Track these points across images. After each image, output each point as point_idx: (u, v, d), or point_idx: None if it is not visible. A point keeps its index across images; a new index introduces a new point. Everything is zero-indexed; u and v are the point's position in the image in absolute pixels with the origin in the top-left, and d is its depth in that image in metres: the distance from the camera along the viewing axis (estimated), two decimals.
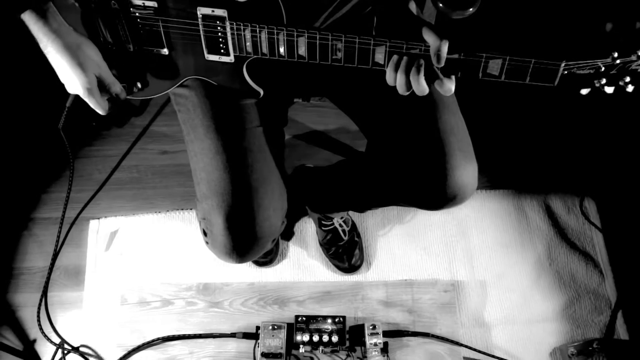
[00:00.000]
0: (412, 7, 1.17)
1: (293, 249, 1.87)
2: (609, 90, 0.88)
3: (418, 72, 0.94)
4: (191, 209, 1.92)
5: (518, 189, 1.99)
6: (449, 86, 0.96)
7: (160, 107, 2.08)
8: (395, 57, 0.96)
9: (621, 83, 0.86)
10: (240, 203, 1.12)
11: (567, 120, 2.12)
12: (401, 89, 0.98)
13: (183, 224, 1.90)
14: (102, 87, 1.07)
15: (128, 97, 1.17)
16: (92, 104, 1.06)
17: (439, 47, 0.91)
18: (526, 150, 2.07)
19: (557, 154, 2.07)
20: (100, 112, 1.08)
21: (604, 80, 0.87)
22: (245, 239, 1.14)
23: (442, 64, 0.92)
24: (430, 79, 0.96)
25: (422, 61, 0.94)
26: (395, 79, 0.98)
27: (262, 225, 1.14)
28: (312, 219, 1.85)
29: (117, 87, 1.10)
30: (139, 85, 1.16)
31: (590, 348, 1.69)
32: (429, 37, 0.92)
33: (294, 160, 1.98)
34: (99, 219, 1.91)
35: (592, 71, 0.87)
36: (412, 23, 1.07)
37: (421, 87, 0.95)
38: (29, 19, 0.96)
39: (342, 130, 2.06)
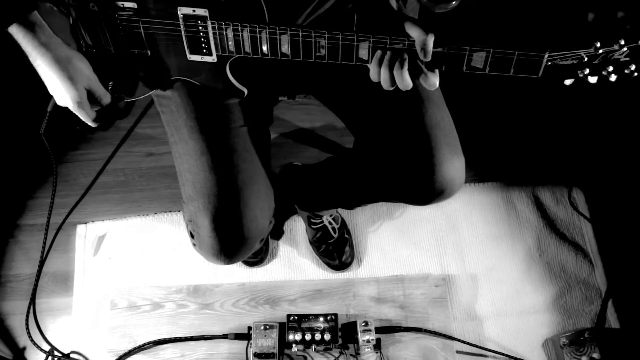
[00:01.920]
0: (393, 3, 1.17)
1: (283, 248, 1.86)
2: (593, 80, 0.88)
3: (401, 66, 0.94)
4: (179, 211, 1.91)
5: (506, 182, 1.99)
6: (433, 80, 0.96)
7: (144, 109, 2.06)
8: (378, 53, 0.96)
9: (604, 73, 0.87)
10: (227, 204, 1.12)
11: (554, 111, 2.12)
12: (385, 85, 0.98)
13: (171, 226, 1.89)
14: (92, 99, 1.06)
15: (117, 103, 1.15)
16: (82, 116, 1.05)
17: (425, 41, 0.90)
18: (513, 142, 2.08)
19: (545, 145, 2.07)
20: (91, 124, 1.07)
21: (587, 70, 0.87)
22: (233, 240, 1.14)
23: (429, 57, 0.92)
24: (415, 73, 0.96)
25: (405, 56, 0.94)
26: (379, 74, 0.98)
27: (249, 226, 1.13)
28: (302, 217, 1.84)
29: (107, 99, 1.09)
30: (125, 98, 1.15)
31: (581, 338, 1.69)
32: (414, 32, 0.92)
33: (281, 158, 1.97)
34: (86, 223, 1.89)
35: (575, 61, 0.87)
36: (394, 18, 1.07)
37: (405, 81, 0.95)
38: (17, 33, 0.95)
39: (329, 128, 2.06)
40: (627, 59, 0.85)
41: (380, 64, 0.96)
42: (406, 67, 0.94)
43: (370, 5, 1.16)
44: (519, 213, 1.94)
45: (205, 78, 1.12)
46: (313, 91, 1.39)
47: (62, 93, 1.01)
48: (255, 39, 1.01)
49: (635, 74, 0.86)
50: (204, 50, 1.06)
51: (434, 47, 0.92)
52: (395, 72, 0.95)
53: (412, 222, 1.90)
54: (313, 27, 0.97)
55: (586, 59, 0.86)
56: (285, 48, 1.00)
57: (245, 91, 1.13)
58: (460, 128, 1.21)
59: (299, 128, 2.07)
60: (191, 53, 1.07)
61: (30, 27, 0.95)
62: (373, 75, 0.99)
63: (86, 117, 1.05)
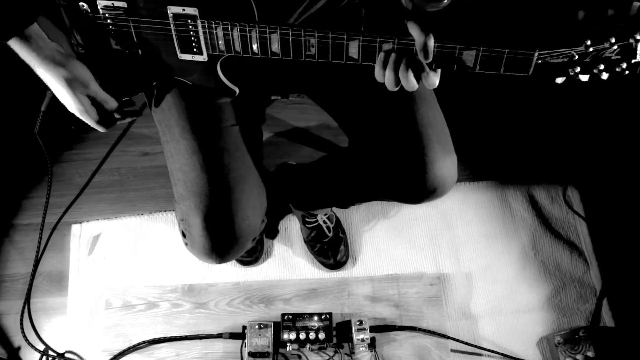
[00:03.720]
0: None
1: (278, 247, 1.86)
2: (584, 78, 0.88)
3: (407, 68, 0.94)
4: (174, 211, 1.89)
5: (501, 180, 1.99)
6: (434, 79, 0.95)
7: (139, 109, 2.05)
8: (382, 55, 0.95)
9: (595, 71, 0.86)
10: (218, 203, 1.11)
11: (549, 109, 2.12)
12: (390, 86, 0.97)
13: (166, 225, 1.88)
14: (97, 104, 1.07)
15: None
16: (90, 123, 1.07)
17: (425, 41, 0.90)
18: (508, 141, 2.08)
19: (540, 143, 2.07)
20: (100, 129, 1.10)
21: (578, 69, 0.87)
22: (225, 239, 1.14)
23: (430, 58, 0.92)
24: (417, 73, 0.95)
25: (411, 57, 0.93)
26: (383, 75, 0.97)
27: (240, 225, 1.13)
28: (296, 216, 1.84)
29: (112, 104, 1.09)
30: (129, 103, 1.16)
31: (576, 336, 1.70)
32: (414, 32, 0.91)
33: (276, 158, 1.97)
34: (81, 223, 1.89)
35: (566, 60, 0.87)
36: (401, 14, 1.07)
37: (410, 83, 0.95)
38: (14, 45, 0.96)
39: (323, 127, 2.05)
40: (618, 57, 0.84)
41: (384, 66, 0.96)
42: (411, 68, 0.94)
43: (373, 1, 1.16)
44: (514, 212, 1.94)
45: (197, 77, 1.11)
46: (306, 90, 1.39)
47: (65, 102, 1.03)
48: (245, 38, 1.00)
49: (627, 72, 0.85)
50: (195, 50, 1.06)
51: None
52: (400, 74, 0.95)
53: (407, 221, 1.90)
54: (305, 25, 0.97)
55: (577, 57, 0.86)
56: (276, 47, 1.00)
57: (237, 90, 1.13)
58: (455, 127, 1.21)
59: (293, 127, 2.07)
60: (182, 52, 1.07)
61: (26, 39, 0.96)
62: (378, 76, 0.98)
63: (93, 124, 1.08)
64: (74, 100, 1.02)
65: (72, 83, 1.01)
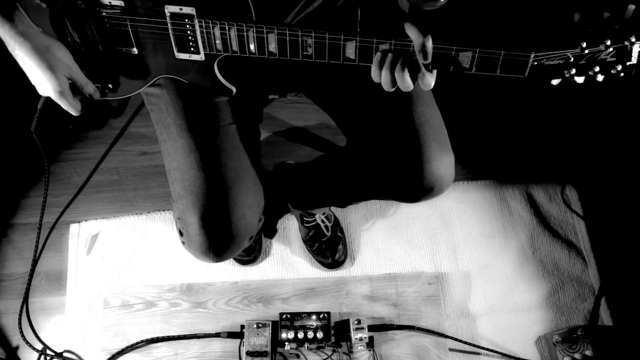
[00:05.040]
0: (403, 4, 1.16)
1: (276, 247, 1.86)
2: (580, 80, 0.88)
3: (403, 68, 0.94)
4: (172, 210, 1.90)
5: (499, 179, 1.99)
6: (429, 80, 0.96)
7: (137, 108, 2.06)
8: (379, 55, 0.96)
9: (591, 73, 0.87)
10: (215, 202, 1.12)
11: (547, 109, 2.12)
12: (387, 86, 0.98)
13: (165, 225, 1.88)
14: (74, 88, 1.06)
15: (103, 98, 1.15)
16: (64, 105, 1.05)
17: (423, 43, 0.90)
18: (507, 140, 2.08)
19: (538, 142, 2.07)
20: (73, 113, 1.07)
21: (573, 71, 0.87)
22: (221, 238, 1.14)
23: (429, 59, 0.92)
24: (413, 74, 0.96)
25: (407, 58, 0.93)
26: (380, 76, 0.97)
27: (237, 224, 1.13)
28: (295, 215, 1.84)
29: (89, 88, 1.09)
30: (110, 86, 1.14)
31: (574, 335, 1.70)
32: (412, 33, 0.91)
33: (275, 157, 1.97)
34: (79, 222, 1.89)
35: (561, 62, 0.87)
36: (397, 16, 1.07)
37: (406, 83, 0.95)
38: None
39: (322, 126, 2.05)
40: (614, 59, 0.85)
41: (381, 66, 0.96)
42: (407, 69, 0.94)
43: (369, 1, 1.16)
44: (512, 211, 1.94)
45: (194, 76, 1.12)
46: (303, 89, 1.39)
47: (42, 82, 1.01)
48: (243, 38, 1.01)
49: (622, 74, 0.86)
50: (192, 49, 1.06)
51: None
52: (396, 74, 0.95)
53: (405, 220, 1.90)
54: (301, 25, 0.97)
55: (572, 59, 0.86)
56: (273, 47, 1.00)
57: (234, 89, 1.13)
58: (453, 126, 1.21)
59: (292, 126, 2.07)
60: (179, 51, 1.07)
61: (8, 17, 0.95)
62: (374, 77, 0.99)
63: (69, 107, 1.06)
64: (53, 80, 1.01)
65: (55, 63, 1.01)
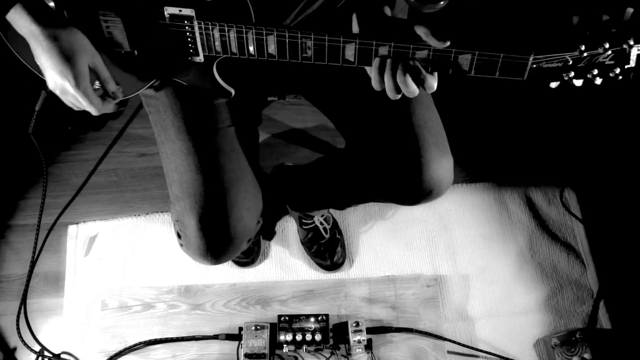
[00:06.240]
0: (387, 11, 1.16)
1: (275, 249, 1.86)
2: (578, 83, 0.88)
3: (404, 73, 0.93)
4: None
5: (498, 182, 1.99)
6: (432, 83, 0.95)
7: (136, 109, 2.06)
8: (377, 60, 0.95)
9: (589, 76, 0.87)
10: (213, 204, 1.12)
11: (546, 112, 2.12)
12: (391, 94, 0.96)
13: (163, 226, 1.88)
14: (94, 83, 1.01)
15: (126, 97, 1.11)
16: (83, 100, 0.97)
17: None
18: (506, 142, 2.08)
19: (537, 145, 2.07)
20: (94, 112, 1.01)
21: (572, 73, 0.87)
22: (220, 240, 1.14)
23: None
24: (414, 77, 0.94)
25: (406, 62, 0.93)
26: (381, 82, 0.96)
27: (235, 226, 1.13)
28: (293, 217, 1.84)
29: (112, 85, 1.03)
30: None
31: (573, 338, 1.69)
32: (431, 41, 0.90)
33: (273, 159, 1.97)
34: (77, 224, 1.88)
35: (560, 64, 0.87)
36: (386, 24, 1.06)
37: (410, 88, 0.94)
38: (16, 12, 0.91)
39: (321, 128, 2.05)
40: (612, 62, 0.85)
41: (381, 72, 0.95)
42: (409, 73, 0.93)
43: (363, 5, 1.16)
44: (510, 213, 1.94)
45: (193, 78, 1.12)
46: (302, 91, 1.39)
47: (64, 72, 0.94)
48: (242, 40, 1.01)
49: (620, 77, 0.86)
50: (191, 51, 1.06)
51: (420, 50, 0.92)
52: (398, 79, 0.94)
53: (404, 223, 1.90)
54: (300, 27, 0.97)
55: (571, 62, 0.86)
56: (272, 49, 1.00)
57: (233, 91, 1.13)
58: (452, 129, 1.21)
59: (291, 128, 2.07)
60: (178, 53, 1.07)
61: (29, 9, 0.92)
62: (376, 85, 0.97)
63: (89, 103, 0.98)
64: (77, 68, 0.94)
65: (78, 49, 0.95)
